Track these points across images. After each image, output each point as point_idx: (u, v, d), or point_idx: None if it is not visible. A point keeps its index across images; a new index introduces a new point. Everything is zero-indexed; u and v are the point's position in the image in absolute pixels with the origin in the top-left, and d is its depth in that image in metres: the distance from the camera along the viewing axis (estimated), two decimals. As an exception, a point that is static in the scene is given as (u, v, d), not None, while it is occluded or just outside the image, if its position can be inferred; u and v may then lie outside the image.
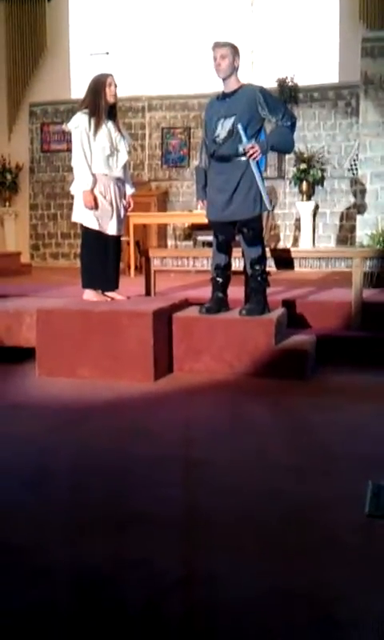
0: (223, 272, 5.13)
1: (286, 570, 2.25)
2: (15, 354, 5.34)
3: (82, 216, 5.34)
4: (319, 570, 2.25)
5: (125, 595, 2.12)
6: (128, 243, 8.47)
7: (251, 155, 4.75)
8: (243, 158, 4.80)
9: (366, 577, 2.22)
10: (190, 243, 9.82)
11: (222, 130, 4.88)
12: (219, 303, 5.14)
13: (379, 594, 2.11)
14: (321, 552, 2.38)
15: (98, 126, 5.21)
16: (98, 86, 5.27)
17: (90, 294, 5.42)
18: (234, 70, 4.88)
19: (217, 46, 4.89)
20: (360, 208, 7.96)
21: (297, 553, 2.37)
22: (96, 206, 5.24)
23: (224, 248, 5.09)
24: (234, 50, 4.88)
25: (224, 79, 4.92)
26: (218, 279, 5.16)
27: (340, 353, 5.18)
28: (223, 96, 4.96)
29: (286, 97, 9.54)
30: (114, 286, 5.50)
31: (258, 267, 5.00)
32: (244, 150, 4.77)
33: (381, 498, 2.72)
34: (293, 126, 4.90)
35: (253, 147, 4.74)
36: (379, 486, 2.80)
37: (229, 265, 5.13)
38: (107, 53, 10.10)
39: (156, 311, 4.94)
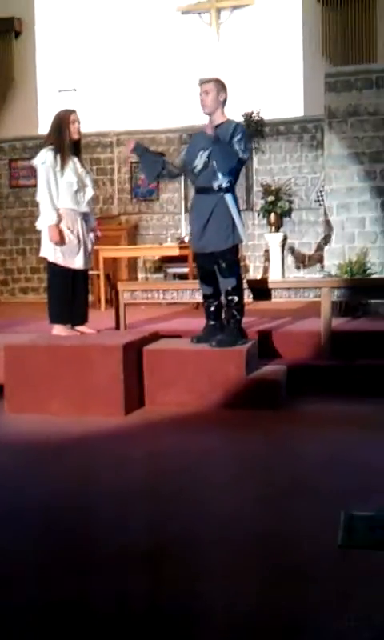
0: (212, 301, 5.12)
1: (256, 600, 2.22)
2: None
3: (49, 251, 5.32)
4: (288, 599, 2.22)
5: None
6: (98, 277, 8.46)
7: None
8: (217, 191, 4.83)
9: (334, 606, 2.19)
10: (161, 275, 9.84)
11: (200, 161, 4.93)
12: (211, 332, 5.12)
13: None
14: (289, 583, 2.34)
15: (64, 162, 5.23)
16: (62, 122, 5.31)
17: (58, 329, 5.38)
18: (218, 104, 4.93)
19: (201, 82, 4.95)
20: (327, 239, 8.05)
21: (266, 583, 2.34)
22: (62, 241, 5.23)
23: (206, 278, 5.10)
24: (219, 85, 4.93)
25: (208, 114, 4.97)
26: (210, 308, 5.15)
27: (311, 382, 5.18)
28: (206, 129, 5.00)
29: (252, 130, 9.67)
30: (82, 319, 5.47)
31: (232, 298, 5.00)
32: (218, 186, 4.80)
33: (353, 528, 2.69)
34: (240, 160, 4.88)
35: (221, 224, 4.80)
36: (351, 516, 2.78)
37: (216, 294, 5.10)
38: (74, 89, 10.18)
39: (126, 344, 4.91)
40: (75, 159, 5.34)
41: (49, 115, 10.46)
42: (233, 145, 4.80)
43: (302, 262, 9.85)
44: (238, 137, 4.83)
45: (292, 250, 9.85)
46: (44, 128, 10.58)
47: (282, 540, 2.68)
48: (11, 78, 11.04)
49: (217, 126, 4.91)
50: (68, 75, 10.81)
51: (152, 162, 5.27)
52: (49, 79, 11.05)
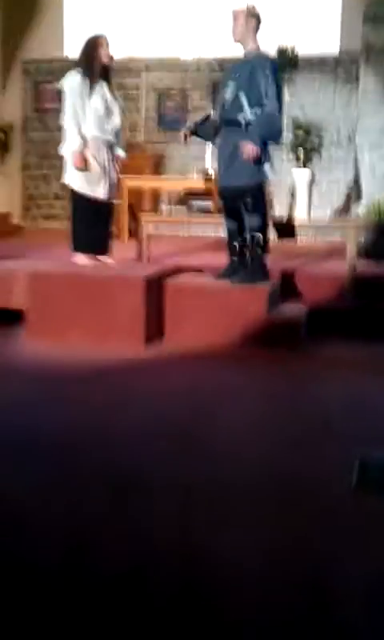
0: (234, 237, 5.05)
1: (279, 539, 2.26)
2: (4, 315, 5.28)
3: (72, 179, 5.26)
4: (309, 540, 2.26)
5: (114, 563, 2.12)
6: (121, 207, 8.37)
7: (246, 157, 4.67)
8: (244, 125, 4.71)
9: (353, 546, 2.23)
10: (184, 208, 9.71)
11: (228, 92, 4.79)
12: (233, 269, 5.07)
13: (365, 562, 2.12)
14: (310, 523, 2.39)
15: (91, 88, 5.11)
16: (92, 46, 5.17)
17: (81, 258, 5.36)
18: (247, 32, 4.76)
19: (233, 11, 4.77)
20: (357, 178, 7.88)
21: (289, 523, 2.38)
22: (86, 168, 5.16)
23: (231, 214, 5.02)
24: (248, 12, 4.74)
25: (238, 41, 4.81)
26: (233, 244, 5.09)
27: (332, 324, 5.16)
28: (240, 60, 4.85)
29: (285, 62, 9.36)
30: (105, 249, 5.44)
31: (256, 235, 4.92)
32: (244, 119, 4.68)
33: (367, 473, 2.72)
34: (277, 116, 4.74)
35: (246, 148, 4.65)
36: (365, 460, 2.80)
37: (240, 230, 4.98)
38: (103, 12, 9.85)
39: (147, 277, 4.89)
40: (104, 85, 5.21)
41: (76, 37, 10.22)
42: (261, 80, 4.63)
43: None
44: (270, 84, 4.64)
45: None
46: (70, 50, 10.34)
47: (302, 484, 2.70)
48: (41, 5, 10.67)
49: (249, 57, 4.75)
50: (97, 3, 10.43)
51: (206, 130, 5.09)
52: (76, 1, 10.66)
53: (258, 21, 4.78)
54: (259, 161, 4.75)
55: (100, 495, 2.56)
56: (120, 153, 5.46)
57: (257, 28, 4.79)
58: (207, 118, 5.08)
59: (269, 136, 4.75)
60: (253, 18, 4.76)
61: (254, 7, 4.79)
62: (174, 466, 2.85)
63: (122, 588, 1.98)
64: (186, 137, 5.14)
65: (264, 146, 4.74)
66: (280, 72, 4.88)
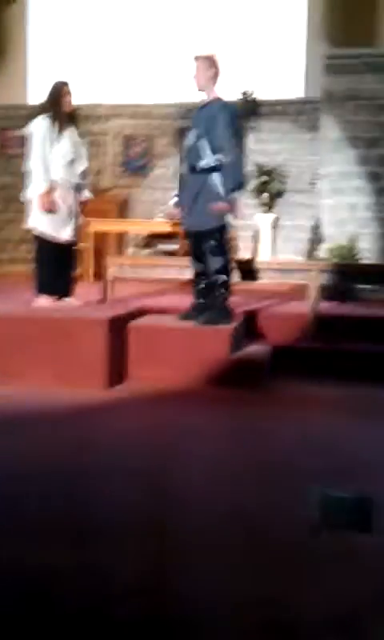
0: (202, 279, 5.10)
1: (241, 580, 2.23)
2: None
3: (37, 222, 5.28)
4: (272, 581, 2.24)
5: (75, 602, 2.07)
6: (86, 250, 8.40)
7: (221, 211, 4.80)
8: (205, 170, 4.80)
9: (308, 582, 2.21)
10: (150, 251, 9.78)
11: (189, 140, 4.91)
12: (198, 310, 5.10)
13: (322, 600, 2.10)
14: (272, 563, 2.36)
15: (59, 132, 5.19)
16: (58, 92, 5.26)
17: (44, 301, 5.35)
18: (207, 81, 4.88)
19: (194, 58, 4.91)
20: (319, 222, 8.04)
21: (251, 563, 2.35)
22: (53, 211, 5.19)
23: (196, 256, 5.07)
24: (208, 61, 4.87)
25: (200, 90, 4.94)
26: (198, 286, 5.13)
27: (295, 364, 5.19)
28: (200, 107, 4.98)
29: (248, 110, 9.60)
30: (68, 292, 5.44)
31: (220, 277, 4.98)
32: (204, 165, 4.77)
33: (328, 510, 2.71)
34: (238, 164, 4.84)
35: (217, 209, 4.78)
36: (327, 498, 2.79)
37: (206, 272, 5.04)
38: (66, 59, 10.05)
39: (112, 319, 4.89)
40: (70, 130, 5.29)
41: (39, 84, 10.37)
42: (218, 125, 4.75)
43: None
44: (222, 130, 4.76)
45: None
46: (34, 97, 10.49)
47: (258, 519, 2.69)
48: (3, 46, 10.85)
49: (206, 104, 4.88)
50: (60, 45, 10.64)
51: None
52: (40, 48, 10.86)
53: (218, 69, 4.91)
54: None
55: (60, 539, 2.51)
56: (87, 194, 5.52)
57: (216, 76, 4.92)
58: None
59: (233, 186, 4.85)
60: (213, 66, 4.88)
61: (213, 55, 4.93)
62: (134, 509, 2.81)
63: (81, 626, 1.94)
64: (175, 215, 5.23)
65: (230, 196, 4.84)
66: (239, 118, 5.00)
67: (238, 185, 4.91)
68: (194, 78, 4.90)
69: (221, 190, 4.82)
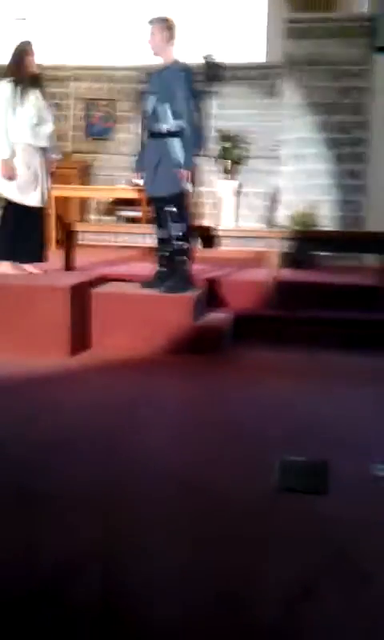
0: (164, 246, 5.12)
1: (201, 545, 2.31)
2: None
3: (3, 186, 5.24)
4: (230, 545, 2.32)
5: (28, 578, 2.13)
6: (49, 216, 8.32)
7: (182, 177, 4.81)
8: (165, 135, 4.81)
9: (271, 550, 2.31)
10: (112, 218, 9.74)
11: (150, 105, 4.90)
12: (160, 278, 5.13)
13: (283, 567, 2.20)
14: (232, 527, 2.45)
15: (23, 95, 5.13)
16: (20, 54, 5.18)
17: (5, 266, 5.33)
18: (163, 45, 4.86)
19: (149, 22, 4.87)
20: (280, 189, 8.08)
21: (210, 529, 2.43)
22: (13, 176, 5.15)
23: (159, 223, 5.09)
24: (164, 25, 4.85)
25: (156, 55, 4.91)
26: (160, 253, 5.16)
27: (256, 331, 5.28)
28: (157, 71, 4.95)
29: (211, 74, 9.51)
30: (38, 258, 5.41)
31: (181, 244, 5.01)
32: (166, 130, 4.77)
33: (286, 473, 2.81)
34: (195, 127, 4.84)
35: (181, 175, 4.80)
36: (285, 461, 2.89)
37: (170, 239, 5.08)
38: (24, 18, 9.81)
39: (74, 286, 4.91)
40: (37, 92, 5.24)
41: (1, 44, 10.12)
42: (177, 90, 4.75)
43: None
44: (181, 84, 4.76)
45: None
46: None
47: (216, 485, 2.76)
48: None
49: (165, 68, 4.87)
50: (21, 3, 10.37)
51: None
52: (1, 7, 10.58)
53: (173, 32, 4.89)
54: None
55: (11, 506, 2.56)
56: (54, 156, 5.50)
57: (172, 39, 4.89)
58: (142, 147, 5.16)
59: (193, 152, 4.87)
60: (168, 30, 4.86)
61: (168, 19, 4.90)
62: (90, 476, 2.86)
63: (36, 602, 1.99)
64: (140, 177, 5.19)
65: (191, 161, 4.85)
66: (198, 82, 5.00)
67: (198, 150, 4.93)
68: (149, 43, 4.88)
69: (181, 155, 4.82)
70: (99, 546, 2.29)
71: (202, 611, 1.95)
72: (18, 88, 5.12)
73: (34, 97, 5.21)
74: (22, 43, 5.25)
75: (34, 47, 5.23)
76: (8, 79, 5.16)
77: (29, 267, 5.40)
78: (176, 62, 4.91)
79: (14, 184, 5.18)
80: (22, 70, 5.16)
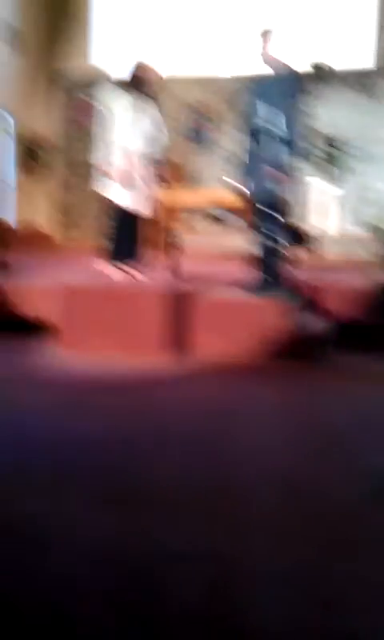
0: (266, 252, 5.12)
1: (300, 549, 2.30)
2: (33, 327, 5.41)
3: (115, 193, 5.41)
4: (330, 551, 2.30)
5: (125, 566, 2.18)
6: (153, 222, 8.48)
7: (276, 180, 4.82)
8: (272, 142, 4.84)
9: (360, 555, 2.27)
10: (214, 224, 9.81)
11: (256, 112, 4.94)
12: (262, 283, 5.15)
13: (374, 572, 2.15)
14: (316, 531, 2.43)
15: (141, 107, 5.30)
16: (141, 69, 5.36)
17: (113, 270, 5.49)
18: (274, 55, 4.90)
19: (259, 33, 4.94)
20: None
21: (309, 533, 2.42)
22: (129, 183, 5.32)
23: (262, 228, 5.11)
24: (273, 36, 4.89)
25: (265, 63, 4.98)
26: (262, 259, 5.18)
27: (358, 339, 5.18)
28: (267, 79, 5.01)
29: (319, 80, 9.47)
30: (143, 261, 5.56)
31: (282, 249, 5.00)
32: (275, 136, 4.80)
33: (379, 482, 2.75)
34: (302, 134, 4.85)
35: (274, 175, 4.81)
36: (378, 469, 2.83)
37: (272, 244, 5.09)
38: (138, 32, 10.04)
39: (176, 290, 4.97)
40: (153, 104, 5.41)
41: (106, 51, 10.39)
42: (286, 97, 4.77)
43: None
44: (293, 90, 4.77)
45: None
46: (98, 60, 10.54)
47: (319, 494, 2.74)
48: (70, 12, 10.90)
49: (274, 76, 4.89)
50: (127, 12, 10.60)
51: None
52: (107, 14, 10.83)
53: (283, 42, 4.90)
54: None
55: (114, 506, 2.61)
56: (162, 167, 5.64)
57: (282, 49, 4.91)
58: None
59: (298, 155, 4.86)
60: (278, 40, 4.89)
61: (277, 30, 4.94)
62: (188, 477, 2.89)
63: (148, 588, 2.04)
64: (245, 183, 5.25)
65: (290, 165, 4.85)
66: (307, 90, 5.00)
67: (304, 156, 4.93)
68: (260, 53, 4.92)
69: (286, 161, 4.83)
70: (205, 547, 2.32)
71: (308, 616, 1.95)
72: (137, 100, 5.29)
73: (150, 109, 5.37)
74: (143, 59, 5.42)
75: (153, 62, 5.40)
76: (128, 91, 5.33)
77: (133, 271, 5.53)
78: (286, 70, 4.92)
79: (127, 192, 5.35)
80: (141, 84, 5.33)
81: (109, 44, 10.56)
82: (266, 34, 4.91)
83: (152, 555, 2.23)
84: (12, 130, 10.68)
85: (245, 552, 2.27)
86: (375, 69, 9.61)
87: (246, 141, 5.22)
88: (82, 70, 10.79)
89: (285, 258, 5.03)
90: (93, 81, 10.68)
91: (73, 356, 4.83)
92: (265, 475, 2.92)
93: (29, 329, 5.42)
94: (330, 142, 9.46)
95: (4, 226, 6.48)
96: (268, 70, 5.02)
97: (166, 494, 2.72)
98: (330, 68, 9.63)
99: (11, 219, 9.98)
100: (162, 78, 5.47)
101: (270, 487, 2.79)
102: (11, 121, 10.57)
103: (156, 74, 5.40)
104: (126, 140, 5.29)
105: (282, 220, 4.97)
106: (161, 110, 5.57)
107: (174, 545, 2.31)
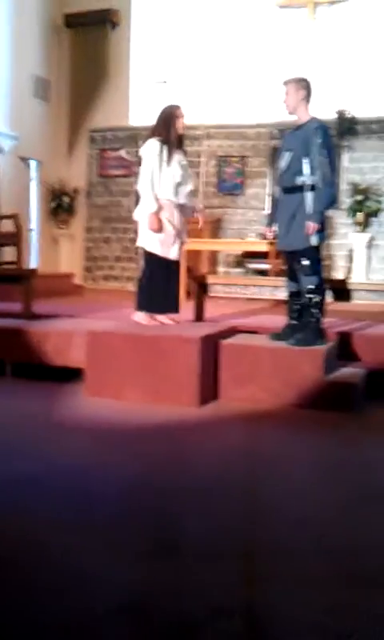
0: (296, 299, 5.11)
1: (323, 607, 2.20)
2: (63, 373, 5.38)
3: (147, 240, 5.43)
4: (355, 608, 2.19)
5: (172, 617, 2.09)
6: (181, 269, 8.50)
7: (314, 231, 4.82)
8: (300, 190, 4.84)
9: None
10: (241, 270, 9.83)
11: (284, 162, 4.95)
12: (291, 330, 5.10)
13: None
14: (358, 591, 2.32)
15: (170, 155, 5.34)
16: (170, 116, 5.41)
17: (141, 317, 5.46)
18: (297, 103, 4.93)
19: (284, 83, 4.97)
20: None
21: (334, 591, 2.31)
22: (160, 230, 5.33)
23: (292, 276, 5.09)
24: (296, 85, 4.93)
25: (291, 113, 5.00)
26: (292, 306, 5.15)
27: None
28: (293, 129, 5.04)
29: (344, 129, 9.55)
30: (173, 309, 5.54)
31: (313, 297, 4.96)
32: (302, 182, 4.80)
33: None
34: (330, 183, 4.84)
35: (308, 228, 4.80)
36: None
37: (301, 292, 5.07)
38: (165, 81, 10.26)
39: (204, 337, 4.93)
40: (181, 152, 5.45)
41: (140, 107, 10.63)
42: (313, 146, 4.77)
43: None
44: (317, 151, 4.79)
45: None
46: (135, 119, 10.77)
47: (354, 548, 2.64)
48: (106, 70, 11.19)
49: (300, 126, 4.92)
50: (161, 67, 10.87)
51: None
52: (142, 71, 11.13)
53: (309, 91, 4.94)
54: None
55: (151, 553, 2.54)
56: (198, 206, 5.71)
57: (308, 97, 4.94)
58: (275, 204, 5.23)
59: (325, 206, 4.87)
60: (303, 88, 4.92)
61: (303, 78, 4.99)
62: (224, 529, 2.81)
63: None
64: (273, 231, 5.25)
65: (321, 215, 4.84)
66: (333, 138, 5.00)
67: (331, 204, 4.94)
68: (285, 102, 4.96)
69: (314, 209, 4.83)
70: (238, 593, 2.26)
71: None
72: (165, 148, 5.34)
73: (178, 156, 5.42)
74: (172, 106, 5.49)
75: (183, 110, 5.46)
76: (157, 138, 5.38)
77: (162, 318, 5.50)
78: (312, 120, 4.94)
79: (157, 238, 5.36)
80: (170, 131, 5.39)
81: (142, 99, 10.79)
82: (289, 83, 4.94)
83: (185, 610, 2.14)
84: (38, 178, 10.88)
85: (274, 599, 2.18)
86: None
87: (275, 190, 5.27)
88: (118, 129, 11.00)
89: (315, 305, 4.97)
90: (126, 135, 10.89)
91: (101, 402, 4.78)
92: (296, 525, 2.82)
93: (59, 375, 5.40)
94: (357, 189, 9.49)
95: (32, 273, 6.51)
96: (294, 119, 5.04)
97: (199, 544, 2.64)
98: (353, 117, 9.72)
99: (38, 266, 10.06)
100: (183, 126, 5.48)
101: (302, 539, 2.69)
102: (38, 169, 10.77)
103: (182, 120, 5.42)
104: (157, 189, 5.32)
105: (312, 267, 4.93)
106: (189, 159, 5.63)
107: (216, 599, 2.22)
